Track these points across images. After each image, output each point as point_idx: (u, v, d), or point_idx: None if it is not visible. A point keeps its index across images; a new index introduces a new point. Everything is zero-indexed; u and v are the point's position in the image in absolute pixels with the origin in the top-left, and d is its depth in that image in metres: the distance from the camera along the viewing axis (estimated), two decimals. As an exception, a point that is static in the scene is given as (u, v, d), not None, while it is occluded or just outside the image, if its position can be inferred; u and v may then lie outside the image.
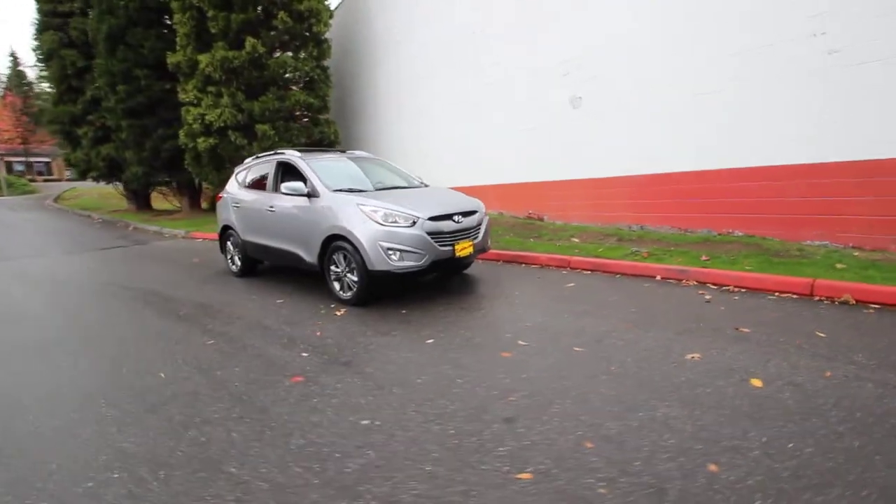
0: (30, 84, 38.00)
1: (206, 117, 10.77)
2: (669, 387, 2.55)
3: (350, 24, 12.79)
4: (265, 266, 6.44)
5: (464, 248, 4.55)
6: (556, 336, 3.40)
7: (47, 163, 43.25)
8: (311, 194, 4.81)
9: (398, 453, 2.07)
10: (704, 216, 6.37)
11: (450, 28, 9.69)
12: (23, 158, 41.48)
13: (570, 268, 5.62)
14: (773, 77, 5.54)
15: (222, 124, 10.86)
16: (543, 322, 3.72)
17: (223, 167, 11.70)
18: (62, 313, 4.83)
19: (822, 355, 2.84)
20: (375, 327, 3.82)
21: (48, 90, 21.07)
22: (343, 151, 6.12)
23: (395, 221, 4.24)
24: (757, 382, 2.55)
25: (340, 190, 4.81)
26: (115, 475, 1.97)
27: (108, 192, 19.97)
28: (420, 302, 4.45)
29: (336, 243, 4.52)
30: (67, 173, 34.18)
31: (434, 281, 5.24)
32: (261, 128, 10.96)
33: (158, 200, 16.73)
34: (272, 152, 5.84)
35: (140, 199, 16.13)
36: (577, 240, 6.93)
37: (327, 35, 11.97)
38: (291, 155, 5.42)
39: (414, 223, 4.26)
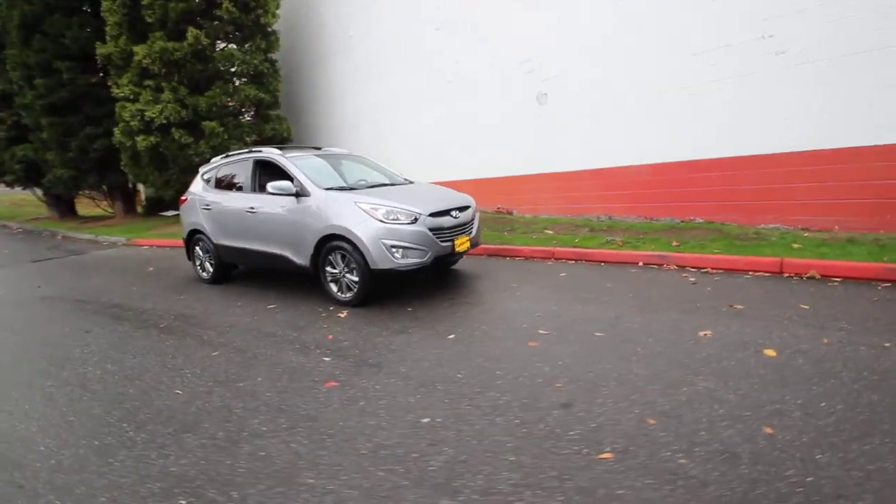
0: None
1: (147, 113, 9.94)
2: (697, 362, 2.74)
3: (298, 16, 12.29)
4: (239, 271, 6.10)
5: (462, 244, 4.58)
6: (571, 323, 3.53)
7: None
8: (300, 193, 4.62)
9: (474, 447, 2.07)
10: (667, 205, 6.83)
11: (411, 24, 9.60)
12: None
13: (555, 258, 5.82)
14: (726, 77, 6.05)
15: (164, 121, 10.08)
16: (554, 311, 3.84)
17: (166, 168, 10.90)
18: (21, 336, 4.31)
19: (813, 325, 3.17)
20: (387, 326, 3.77)
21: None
22: (318, 148, 5.91)
23: (397, 218, 4.19)
24: (771, 352, 2.81)
25: (331, 188, 4.67)
26: (184, 501, 1.82)
27: (21, 199, 17.91)
28: (422, 299, 4.43)
29: (333, 243, 4.37)
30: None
31: (429, 277, 5.22)
32: (208, 125, 10.29)
33: (84, 206, 15.24)
34: (246, 150, 5.53)
35: (63, 206, 14.56)
36: (550, 231, 7.16)
37: (275, 27, 11.46)
38: (271, 153, 5.17)
39: (416, 220, 4.22)
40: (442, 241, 4.37)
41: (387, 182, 5.35)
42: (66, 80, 11.06)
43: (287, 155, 5.07)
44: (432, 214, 4.35)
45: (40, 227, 12.80)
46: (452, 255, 4.55)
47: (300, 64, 12.49)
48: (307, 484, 1.89)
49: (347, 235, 4.23)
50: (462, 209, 4.71)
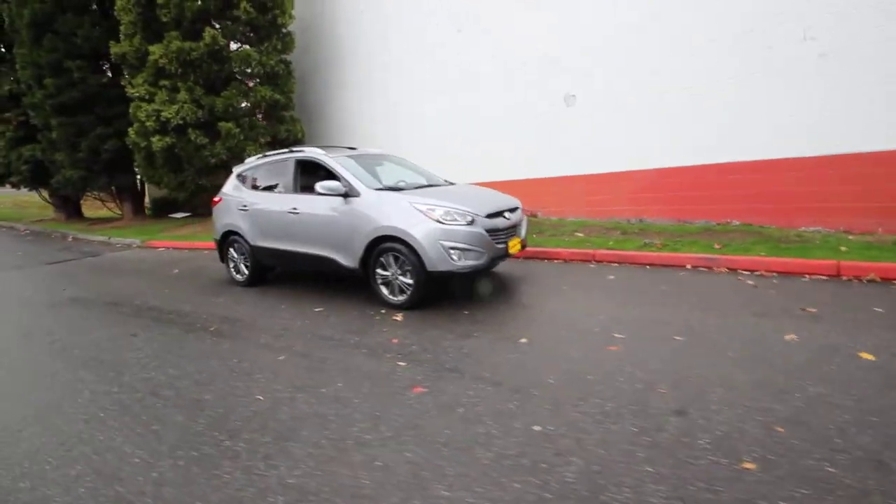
0: None
1: (163, 114, 9.78)
2: (797, 367, 2.67)
3: (311, 17, 12.17)
4: (271, 273, 5.97)
5: (514, 245, 4.50)
6: (643, 327, 3.45)
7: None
8: (349, 194, 4.51)
9: (602, 457, 1.98)
10: (701, 208, 6.80)
11: (432, 23, 9.54)
12: None
13: (595, 261, 5.75)
14: (764, 80, 6.04)
15: (181, 121, 9.93)
16: (619, 314, 3.76)
17: (181, 169, 10.73)
18: (65, 340, 4.15)
19: (894, 327, 3.12)
20: (450, 330, 3.67)
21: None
22: (352, 148, 5.81)
23: (454, 220, 4.09)
24: (868, 356, 2.75)
25: (381, 189, 4.57)
26: (317, 514, 1.71)
27: (24, 200, 17.60)
28: (475, 302, 4.34)
29: (385, 245, 4.27)
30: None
31: (470, 280, 5.12)
32: (225, 125, 10.16)
33: (89, 207, 14.99)
34: (286, 150, 5.41)
35: (70, 207, 14.30)
36: (581, 234, 7.10)
37: (290, 27, 11.37)
38: (314, 152, 5.06)
39: (472, 221, 4.13)
40: (497, 243, 4.28)
41: (428, 183, 5.25)
42: (77, 79, 10.88)
43: (332, 155, 4.97)
44: (488, 216, 4.27)
45: (48, 229, 12.55)
46: (506, 257, 4.47)
47: (311, 65, 12.37)
48: (444, 496, 1.78)
49: (403, 237, 4.13)
50: (512, 210, 4.64)
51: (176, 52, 9.74)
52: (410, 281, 4.20)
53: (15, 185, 14.20)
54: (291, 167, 5.18)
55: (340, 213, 4.55)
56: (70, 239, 11.09)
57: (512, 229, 4.51)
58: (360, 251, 4.43)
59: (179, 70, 9.96)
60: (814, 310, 3.56)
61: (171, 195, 11.40)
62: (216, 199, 5.98)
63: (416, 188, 4.83)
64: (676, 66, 6.72)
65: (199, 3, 10.10)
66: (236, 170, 5.91)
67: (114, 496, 1.91)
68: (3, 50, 12.99)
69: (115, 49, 10.17)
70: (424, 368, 2.99)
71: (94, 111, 11.30)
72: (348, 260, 4.58)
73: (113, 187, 12.54)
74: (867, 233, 5.43)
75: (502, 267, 5.68)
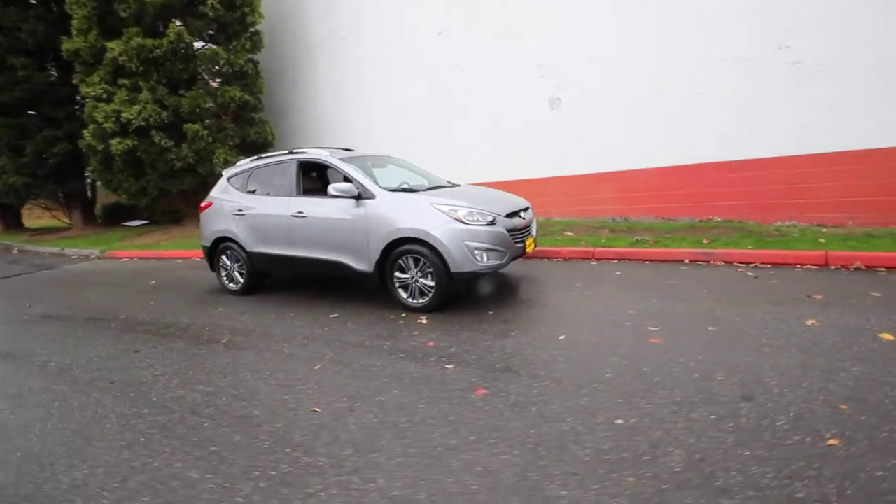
0: None
1: (123, 114, 9.15)
2: (832, 349, 2.85)
3: (279, 16, 11.79)
4: (270, 280, 5.70)
5: (530, 244, 4.54)
6: (673, 319, 3.56)
7: None
8: (362, 196, 4.39)
9: (696, 445, 2.02)
10: (684, 206, 7.14)
11: (411, 28, 9.48)
12: None
13: (595, 259, 5.90)
14: (733, 85, 6.44)
15: (143, 123, 9.33)
16: (644, 308, 3.87)
17: (143, 173, 10.07)
18: (57, 360, 3.77)
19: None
20: (483, 330, 3.64)
21: None
22: (348, 150, 5.66)
23: (477, 220, 4.07)
24: (887, 336, 2.97)
25: (396, 190, 4.48)
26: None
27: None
28: (493, 302, 4.33)
29: (404, 247, 4.19)
30: None
31: (482, 281, 5.12)
32: (191, 127, 9.65)
33: (29, 217, 13.74)
34: (285, 152, 5.19)
35: (10, 217, 13.02)
36: (570, 233, 7.26)
37: (258, 26, 10.96)
38: (318, 154, 4.89)
39: (494, 221, 4.13)
40: (516, 242, 4.31)
41: (434, 184, 5.19)
42: (22, 77, 9.97)
43: (338, 156, 4.82)
44: (507, 215, 4.29)
45: (-14, 242, 11.39)
46: (521, 256, 4.50)
47: (282, 65, 11.98)
48: (563, 496, 1.76)
49: (425, 238, 4.06)
50: (525, 210, 4.68)
51: (137, 49, 9.15)
52: (432, 283, 4.13)
53: (-56, 194, 12.77)
54: (293, 169, 4.97)
55: (353, 215, 4.42)
56: (15, 251, 10.11)
57: (527, 228, 4.55)
58: (375, 254, 4.32)
59: (141, 68, 9.35)
60: (820, 296, 3.81)
61: (130, 202, 10.64)
62: (204, 203, 5.65)
63: (429, 189, 4.77)
64: (654, 74, 7.03)
65: (163, -2, 9.55)
66: (227, 173, 5.60)
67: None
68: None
69: (67, 45, 9.41)
70: (475, 370, 2.95)
71: (41, 112, 10.39)
72: (361, 264, 4.45)
73: (61, 194, 11.56)
74: (839, 226, 5.89)
75: (507, 266, 5.70)
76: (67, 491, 2.03)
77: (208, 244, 5.53)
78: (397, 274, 4.29)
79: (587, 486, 1.81)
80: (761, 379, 2.56)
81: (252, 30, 10.84)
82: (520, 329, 3.62)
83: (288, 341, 3.75)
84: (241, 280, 5.34)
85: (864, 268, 4.51)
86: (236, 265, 5.37)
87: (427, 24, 9.24)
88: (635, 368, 2.79)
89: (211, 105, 10.04)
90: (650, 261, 5.57)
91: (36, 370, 3.52)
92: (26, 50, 10.02)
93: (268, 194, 5.13)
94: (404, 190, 4.54)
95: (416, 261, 4.18)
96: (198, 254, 8.36)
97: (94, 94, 9.37)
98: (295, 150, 5.13)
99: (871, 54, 5.60)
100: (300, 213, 4.75)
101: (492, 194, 4.85)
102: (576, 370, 2.84)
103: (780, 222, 6.32)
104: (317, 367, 3.17)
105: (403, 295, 4.31)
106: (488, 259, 4.06)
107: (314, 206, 4.71)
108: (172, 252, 8.77)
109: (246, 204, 5.21)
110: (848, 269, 4.56)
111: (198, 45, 10.51)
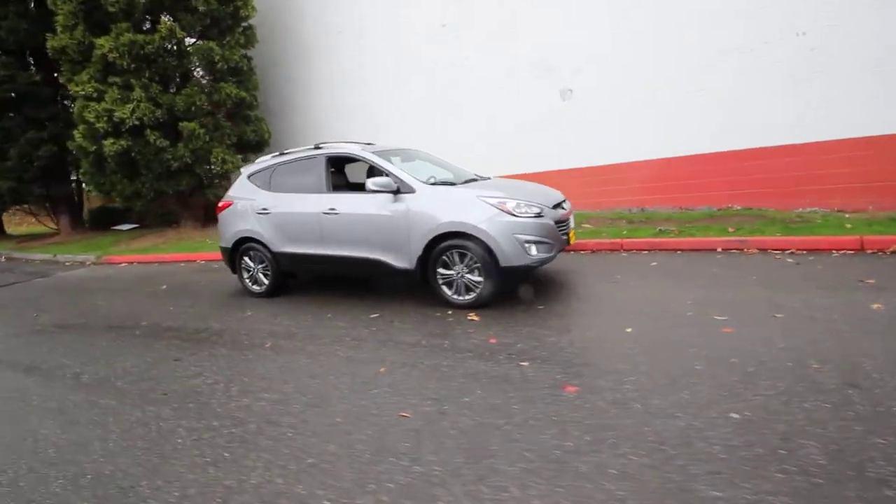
0: None
1: (116, 113, 8.74)
2: (911, 333, 2.84)
3: (268, 9, 11.40)
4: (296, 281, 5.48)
5: (572, 236, 4.46)
6: (736, 307, 3.50)
7: None
8: (401, 190, 4.23)
9: (829, 435, 1.94)
10: (701, 195, 7.15)
11: (412, 23, 9.29)
12: None
13: (624, 250, 5.85)
14: (758, 72, 6.46)
15: (137, 122, 8.94)
16: (699, 297, 3.80)
17: (138, 175, 9.66)
18: (90, 371, 3.52)
19: (957, 292, 3.42)
20: (543, 325, 3.53)
21: None
22: (370, 144, 5.48)
23: (525, 212, 3.96)
24: (961, 318, 2.98)
25: (437, 184, 4.34)
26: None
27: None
28: (540, 297, 4.23)
29: (449, 242, 4.04)
30: None
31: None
32: (188, 126, 9.29)
33: (9, 223, 13.09)
34: (311, 147, 4.98)
35: (-8, 223, 12.39)
36: (588, 225, 7.21)
37: (252, 21, 10.62)
38: (349, 148, 4.72)
39: (540, 213, 4.02)
40: (562, 234, 4.22)
41: (463, 178, 5.03)
42: (4, 77, 9.43)
43: (370, 150, 4.65)
44: (553, 207, 4.19)
45: (-33, 250, 10.77)
46: (566, 248, 4.41)
47: (274, 60, 11.63)
48: (718, 497, 1.66)
49: (472, 232, 3.92)
50: (564, 201, 4.59)
51: (128, 46, 8.75)
52: (479, 279, 4.01)
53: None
54: (321, 165, 4.78)
55: (392, 211, 4.25)
56: (3, 259, 9.60)
57: (567, 220, 4.46)
58: (417, 250, 4.17)
59: (132, 65, 8.95)
60: (872, 280, 3.81)
61: (125, 204, 10.21)
62: (223, 203, 5.39)
63: (466, 182, 4.64)
64: (671, 63, 7.02)
65: (153, -9, 9.15)
66: (247, 171, 5.36)
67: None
68: None
69: (52, 42, 8.94)
70: (553, 367, 2.84)
71: (24, 113, 9.86)
72: (401, 261, 4.29)
73: (47, 198, 11.03)
74: (860, 211, 5.96)
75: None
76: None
77: (229, 245, 5.28)
78: (440, 270, 4.15)
79: (737, 484, 1.72)
80: (856, 365, 2.50)
81: (245, 24, 10.51)
82: (579, 323, 3.53)
83: (338, 343, 3.58)
84: (266, 282, 5.12)
85: (900, 251, 4.55)
86: (260, 266, 5.15)
87: (425, 21, 9.06)
88: (722, 359, 2.72)
89: (205, 104, 9.64)
90: (682, 250, 5.54)
91: (70, 383, 3.28)
92: (7, 49, 9.48)
93: (294, 191, 4.92)
94: (443, 183, 4.39)
95: (462, 256, 4.04)
96: (202, 256, 8.09)
97: (83, 92, 8.92)
98: (321, 145, 4.93)
99: (871, 50, 5.69)
100: (332, 209, 4.57)
101: (529, 186, 4.75)
102: (660, 363, 2.75)
103: (800, 209, 6.37)
104: (382, 370, 3.01)
105: (448, 292, 4.17)
106: (538, 252, 3.95)
107: (348, 203, 4.53)
108: (174, 255, 8.42)
109: (271, 202, 4.99)
110: (884, 252, 4.60)
111: (189, 41, 10.13)
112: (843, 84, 5.96)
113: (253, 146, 10.93)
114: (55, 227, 11.55)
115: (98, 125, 8.82)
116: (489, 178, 5.18)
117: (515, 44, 8.21)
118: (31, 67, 10.72)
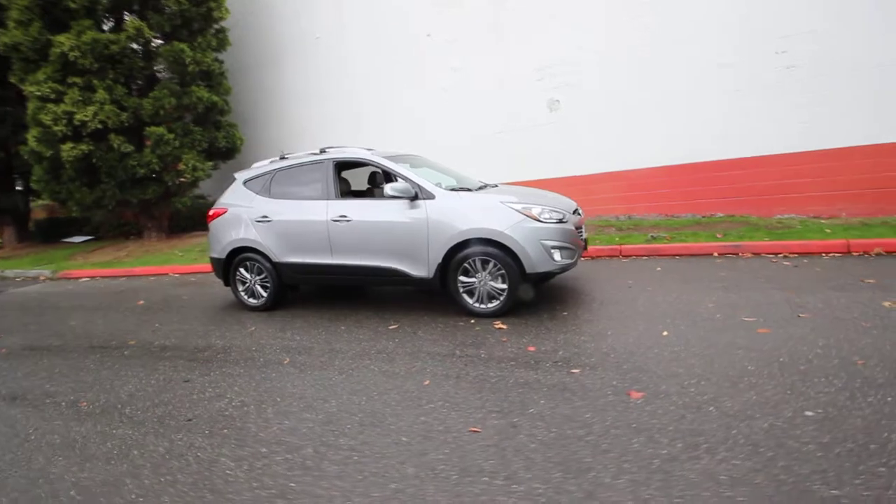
0: None
1: (77, 116, 8.09)
2: (933, 328, 2.99)
3: (241, 11, 10.97)
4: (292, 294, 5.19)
5: (587, 243, 4.47)
6: (760, 309, 3.58)
7: None
8: (418, 196, 4.10)
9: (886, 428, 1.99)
10: (686, 203, 7.42)
11: (394, 30, 9.21)
12: None
13: (623, 255, 5.95)
14: (734, 89, 6.82)
15: (100, 125, 8.32)
16: (719, 300, 3.88)
17: (98, 182, 8.96)
18: (98, 394, 3.13)
19: (952, 289, 3.67)
20: (576, 331, 3.49)
21: None
22: (370, 149, 5.31)
23: (550, 217, 3.93)
24: (970, 314, 3.18)
25: (456, 189, 4.24)
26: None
27: None
28: (561, 303, 4.20)
29: (472, 249, 3.94)
30: None
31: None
32: (155, 131, 8.76)
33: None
34: (316, 151, 4.76)
35: (-82, 237, 11.08)
36: (579, 232, 7.31)
37: (224, 23, 10.19)
38: (358, 153, 4.55)
39: (563, 219, 4.00)
40: (582, 241, 4.22)
41: (474, 185, 4.96)
42: (-58, 74, 8.54)
43: (381, 154, 4.49)
44: (573, 213, 4.18)
45: None
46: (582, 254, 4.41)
47: (246, 65, 11.19)
48: (832, 495, 1.63)
49: (498, 238, 3.84)
50: (578, 209, 4.60)
51: (91, 44, 8.15)
52: (502, 286, 3.92)
53: None
54: (328, 170, 4.57)
55: (410, 217, 4.11)
56: (-62, 276, 8.60)
57: (582, 227, 4.47)
58: (437, 258, 4.04)
59: (95, 65, 8.33)
60: (872, 280, 4.04)
61: (83, 214, 9.44)
62: (214, 211, 5.05)
63: (480, 188, 4.56)
64: (653, 78, 7.29)
65: (119, -12, 8.61)
66: (241, 176, 5.05)
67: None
68: None
69: (3, 38, 8.18)
70: (606, 373, 2.79)
71: (-37, 115, 8.96)
72: (419, 269, 4.14)
73: (-11, 209, 10.04)
74: (834, 217, 6.36)
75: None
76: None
77: (222, 256, 4.94)
78: (462, 278, 4.04)
79: (848, 481, 1.71)
80: (888, 362, 2.60)
81: (217, 26, 10.07)
82: (612, 328, 3.51)
83: (365, 357, 3.38)
84: (265, 294, 4.82)
85: (884, 253, 4.86)
86: (258, 278, 4.84)
87: (410, 32, 9.01)
88: (772, 359, 2.76)
89: (171, 107, 9.05)
90: (680, 255, 5.69)
91: (68, 412, 2.91)
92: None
93: (298, 198, 4.67)
94: (462, 190, 4.30)
95: (485, 263, 3.95)
96: (175, 269, 7.59)
97: (39, 93, 8.20)
98: (326, 149, 4.73)
99: (846, 62, 6.14)
100: (343, 216, 4.36)
101: (540, 193, 4.73)
102: (713, 365, 2.75)
103: (780, 216, 6.72)
104: (426, 383, 2.86)
105: (469, 300, 4.05)
106: (562, 257, 3.92)
107: (360, 209, 4.35)
108: (143, 269, 7.83)
109: (271, 209, 4.71)
110: (870, 254, 4.90)
111: (157, 42, 9.57)
112: (819, 100, 6.37)
113: (223, 153, 10.44)
114: (0, 240, 10.53)
115: (56, 128, 8.12)
116: (496, 185, 5.14)
117: (503, 57, 8.28)
118: (7, 65, 9.77)
